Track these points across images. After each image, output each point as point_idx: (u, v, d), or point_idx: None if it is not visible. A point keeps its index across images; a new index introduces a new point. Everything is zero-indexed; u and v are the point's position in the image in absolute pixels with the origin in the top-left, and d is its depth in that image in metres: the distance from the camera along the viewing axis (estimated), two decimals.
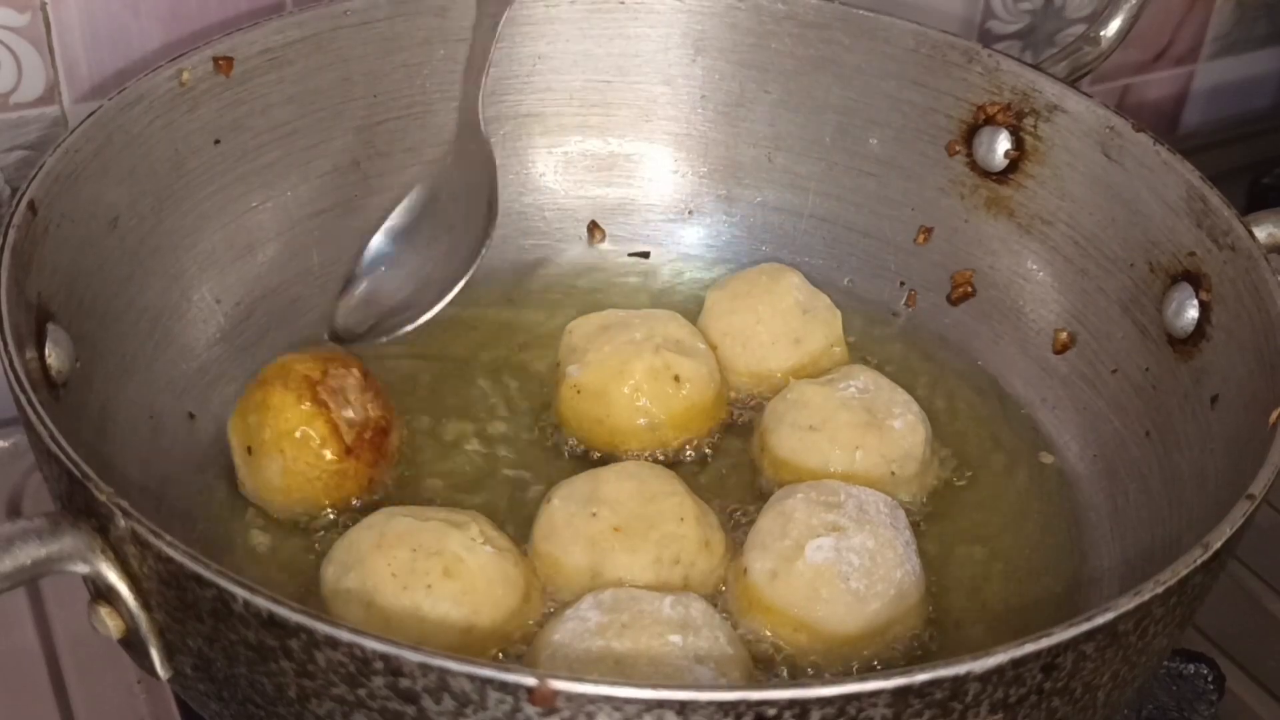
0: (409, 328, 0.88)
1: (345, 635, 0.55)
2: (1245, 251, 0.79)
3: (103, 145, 0.80)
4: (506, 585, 0.73)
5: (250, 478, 0.80)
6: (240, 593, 0.56)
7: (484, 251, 0.90)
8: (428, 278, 0.90)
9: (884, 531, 0.76)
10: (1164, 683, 0.82)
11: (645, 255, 1.01)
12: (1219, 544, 0.63)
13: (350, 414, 0.79)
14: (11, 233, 0.71)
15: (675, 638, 0.68)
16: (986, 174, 0.94)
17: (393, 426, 0.83)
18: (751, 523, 0.79)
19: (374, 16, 0.92)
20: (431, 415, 0.88)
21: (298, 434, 0.78)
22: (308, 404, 0.78)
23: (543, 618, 0.74)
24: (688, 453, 0.87)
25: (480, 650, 0.72)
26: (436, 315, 0.89)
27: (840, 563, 0.74)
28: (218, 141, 0.88)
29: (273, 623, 0.56)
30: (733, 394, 0.90)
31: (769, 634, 0.75)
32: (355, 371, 0.81)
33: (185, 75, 0.85)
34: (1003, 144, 0.92)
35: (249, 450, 0.79)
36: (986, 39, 1.21)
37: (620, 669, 0.67)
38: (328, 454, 0.78)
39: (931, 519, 0.84)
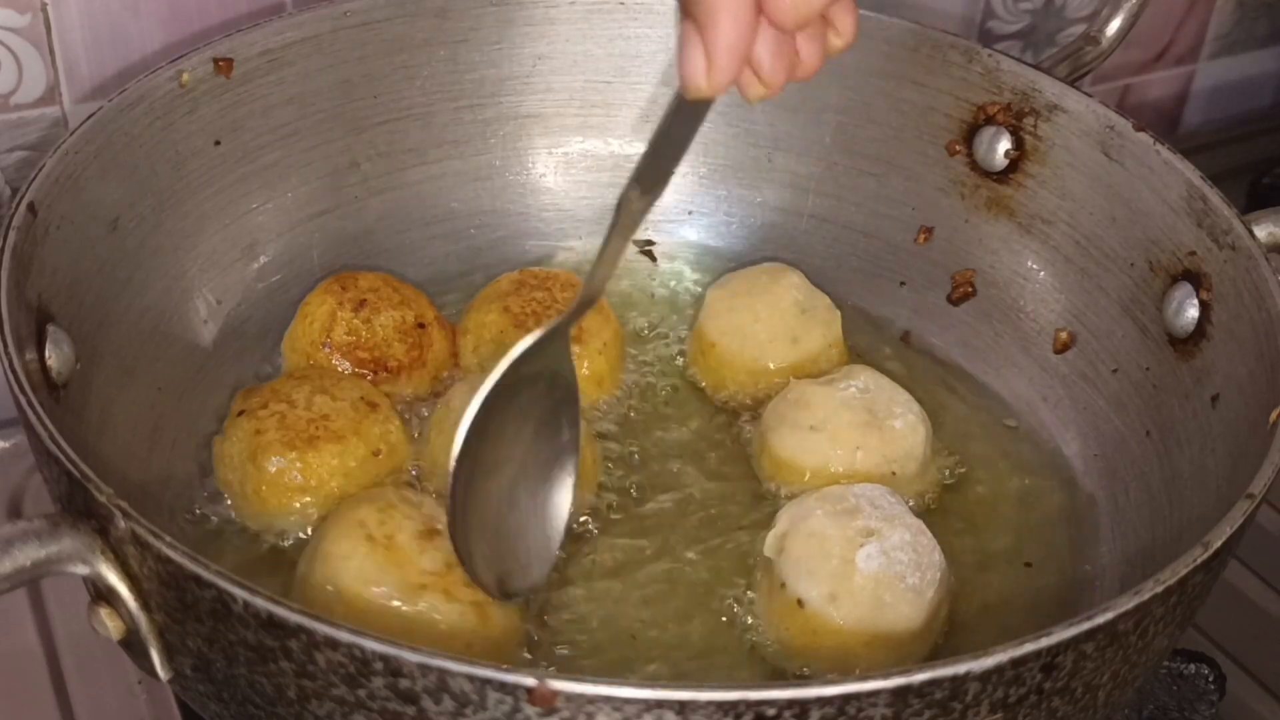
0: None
1: (345, 636, 0.55)
2: (1245, 251, 0.79)
3: (103, 146, 0.80)
4: None
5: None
6: (240, 593, 0.56)
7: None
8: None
9: (909, 519, 0.77)
10: (1165, 683, 0.82)
11: (651, 244, 1.01)
12: (1219, 543, 0.63)
13: (358, 323, 0.86)
14: (12, 234, 0.71)
15: None
16: (987, 174, 0.94)
17: (402, 373, 0.86)
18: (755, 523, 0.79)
19: (374, 18, 0.92)
20: None
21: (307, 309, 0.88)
22: (331, 294, 0.87)
23: None
24: (685, 453, 0.87)
25: None
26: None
27: (893, 564, 0.74)
28: (218, 142, 0.88)
29: (272, 623, 0.56)
30: (731, 393, 0.91)
31: (835, 658, 0.74)
32: (409, 314, 0.88)
33: (185, 76, 0.85)
34: (1003, 144, 0.92)
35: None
36: (986, 39, 1.21)
37: None
38: (314, 332, 0.86)
39: (932, 518, 0.84)
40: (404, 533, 0.72)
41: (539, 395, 0.71)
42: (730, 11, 0.56)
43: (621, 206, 0.66)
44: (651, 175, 0.65)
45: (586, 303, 0.70)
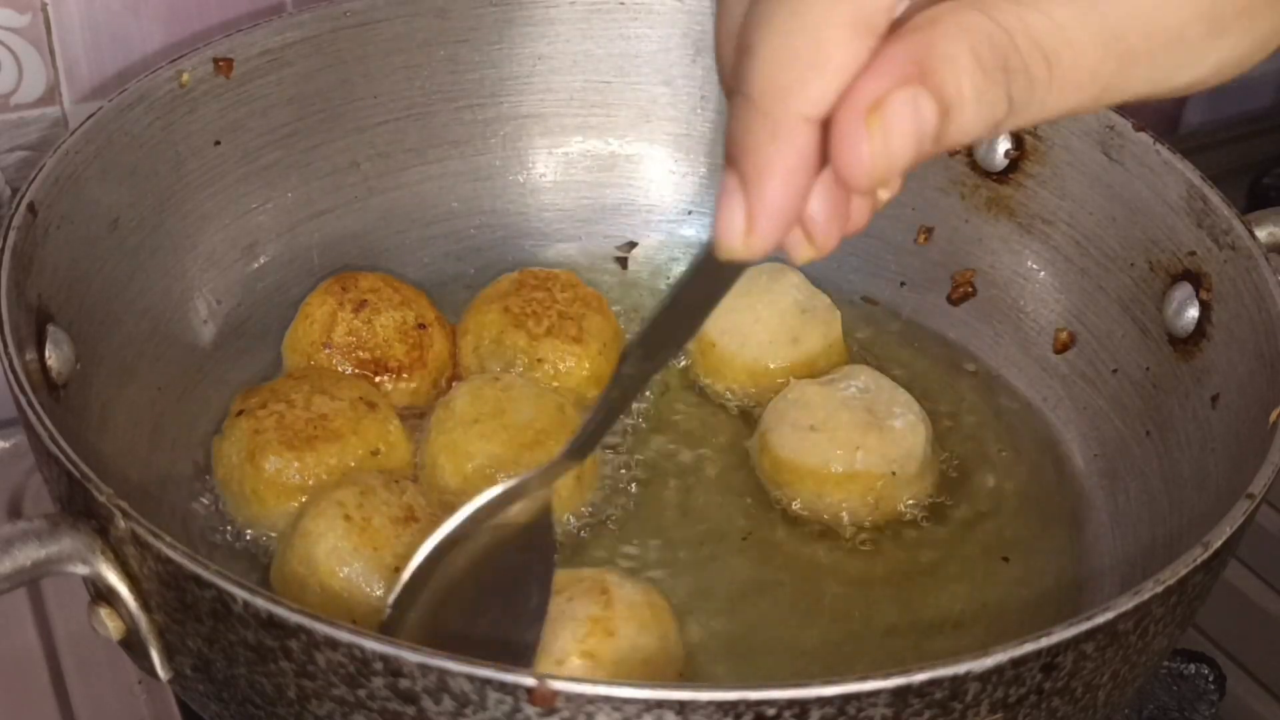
0: None
1: (345, 636, 0.55)
2: (1245, 251, 0.79)
3: (103, 146, 0.80)
4: None
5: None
6: (240, 593, 0.56)
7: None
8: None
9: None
10: (1165, 683, 0.82)
11: (632, 245, 1.01)
12: (1219, 543, 0.63)
13: (359, 324, 0.86)
14: (12, 234, 0.72)
15: None
16: (987, 174, 0.94)
17: (402, 374, 0.86)
18: None
19: (374, 18, 0.92)
20: None
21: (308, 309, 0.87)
22: (331, 295, 0.87)
23: None
24: (685, 454, 0.87)
25: None
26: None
27: None
28: (218, 142, 0.88)
29: (272, 623, 0.56)
30: (731, 393, 0.91)
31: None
32: (409, 314, 0.87)
33: (185, 76, 0.85)
34: (1003, 143, 0.92)
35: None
36: None
37: None
38: (315, 333, 0.86)
39: (932, 519, 0.84)
40: (381, 516, 0.73)
41: (508, 552, 0.66)
42: (784, 169, 0.46)
43: (621, 364, 0.58)
44: (659, 339, 0.56)
45: (562, 466, 0.64)
